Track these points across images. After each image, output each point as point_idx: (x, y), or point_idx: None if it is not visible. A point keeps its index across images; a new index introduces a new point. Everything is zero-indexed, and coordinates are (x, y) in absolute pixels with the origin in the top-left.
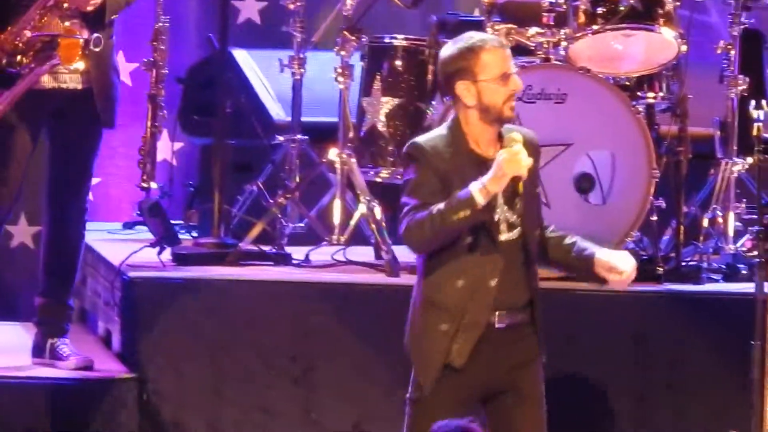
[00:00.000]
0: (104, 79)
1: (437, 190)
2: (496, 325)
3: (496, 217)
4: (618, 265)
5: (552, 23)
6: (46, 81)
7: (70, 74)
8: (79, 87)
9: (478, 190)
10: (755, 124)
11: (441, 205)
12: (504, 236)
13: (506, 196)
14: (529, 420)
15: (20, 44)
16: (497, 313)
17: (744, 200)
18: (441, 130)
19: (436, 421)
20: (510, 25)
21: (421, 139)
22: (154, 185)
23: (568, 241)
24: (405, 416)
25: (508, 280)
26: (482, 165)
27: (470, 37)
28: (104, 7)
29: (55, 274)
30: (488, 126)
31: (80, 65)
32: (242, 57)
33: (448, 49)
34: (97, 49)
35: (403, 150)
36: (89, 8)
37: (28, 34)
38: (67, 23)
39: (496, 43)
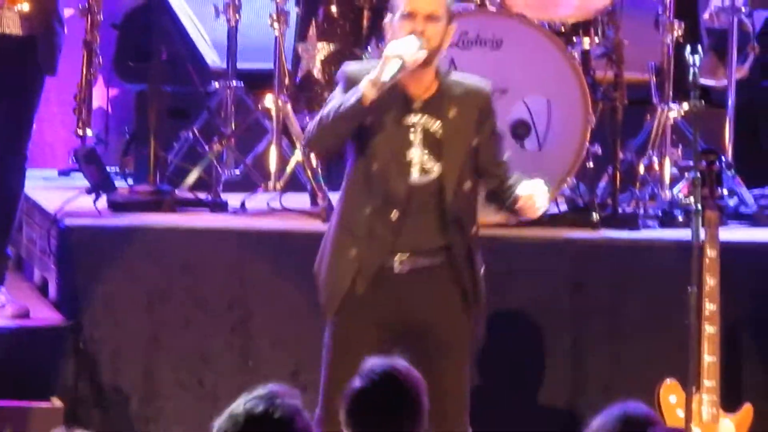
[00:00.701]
0: (47, 26)
1: None
2: (395, 270)
3: (409, 158)
4: (526, 191)
5: None
6: None
7: (11, 19)
8: (21, 33)
9: (364, 81)
10: (691, 70)
11: (331, 105)
12: (414, 178)
13: (426, 142)
14: (446, 367)
15: None
16: (398, 255)
17: (680, 146)
18: (374, 62)
19: (348, 353)
20: None
21: (350, 66)
22: (89, 132)
23: (507, 185)
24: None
25: (415, 223)
26: (406, 102)
27: None
28: None
29: None
30: None
31: (25, 7)
32: (177, 3)
33: None
34: None
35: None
36: None
37: None
38: None
39: None
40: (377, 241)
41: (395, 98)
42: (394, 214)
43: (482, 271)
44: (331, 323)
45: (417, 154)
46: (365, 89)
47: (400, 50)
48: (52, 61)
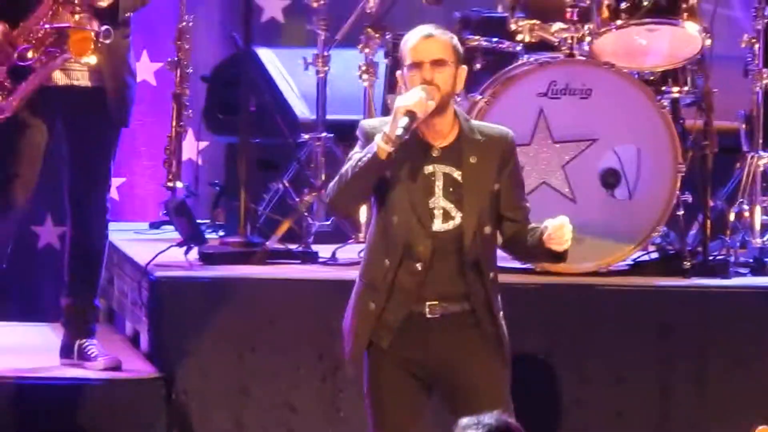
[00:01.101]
0: (117, 78)
1: None
2: (428, 315)
3: (431, 207)
4: (551, 224)
5: (576, 18)
6: (59, 78)
7: (81, 71)
8: (90, 84)
9: (380, 137)
10: None
11: (349, 164)
12: (437, 225)
13: (448, 189)
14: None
15: (32, 39)
16: (428, 303)
17: None
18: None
19: (386, 405)
20: (534, 21)
21: (366, 121)
22: (179, 184)
23: (528, 230)
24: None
25: (440, 269)
26: (425, 150)
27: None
28: (117, 4)
29: (79, 275)
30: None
31: (92, 60)
32: (266, 55)
33: None
34: (107, 41)
35: None
36: (101, 4)
37: (39, 28)
38: (77, 17)
39: (418, 34)
40: (401, 294)
41: (414, 148)
42: (419, 267)
43: (501, 314)
44: (362, 380)
45: (439, 203)
46: (380, 144)
47: (409, 102)
48: (124, 113)
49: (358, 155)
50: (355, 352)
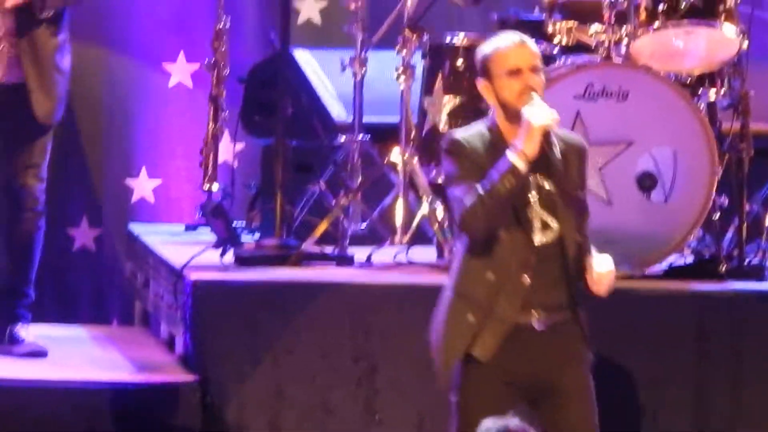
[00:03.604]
0: (41, 75)
1: (479, 179)
2: (536, 327)
3: (530, 218)
4: (594, 266)
5: (613, 21)
6: None
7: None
8: (10, 81)
9: (515, 155)
10: None
11: (485, 184)
12: (538, 237)
13: (542, 199)
14: (578, 419)
15: None
16: (534, 313)
17: None
18: (479, 126)
19: (477, 417)
20: (571, 23)
21: (458, 133)
22: (215, 186)
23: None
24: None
25: (544, 280)
26: None
27: (494, 37)
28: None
29: (14, 264)
30: (515, 124)
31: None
32: (303, 57)
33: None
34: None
35: (441, 144)
36: (6, 5)
37: None
38: None
39: (510, 41)
40: (506, 306)
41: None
42: (525, 279)
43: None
44: (456, 392)
45: (537, 213)
46: (516, 162)
47: (544, 115)
48: (49, 110)
49: (468, 175)
50: (448, 365)
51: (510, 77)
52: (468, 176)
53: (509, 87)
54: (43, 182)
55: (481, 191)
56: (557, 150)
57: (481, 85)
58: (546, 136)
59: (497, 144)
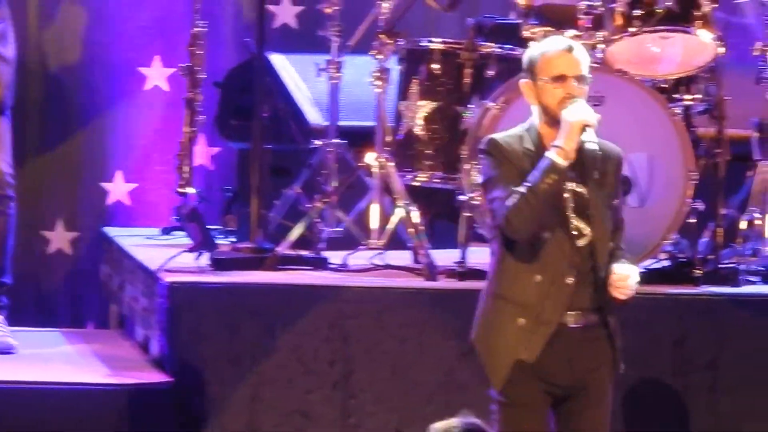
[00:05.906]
0: None
1: (519, 181)
2: (571, 325)
3: (567, 220)
4: (616, 270)
5: (589, 26)
6: None
7: None
8: None
9: (555, 153)
10: None
11: (528, 184)
12: (577, 240)
13: (577, 205)
14: (595, 423)
15: None
16: (570, 313)
17: None
18: (518, 130)
19: (522, 417)
20: (547, 28)
21: (497, 136)
22: (191, 190)
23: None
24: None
25: (580, 282)
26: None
27: (546, 39)
28: None
29: None
30: (554, 128)
31: None
32: (279, 61)
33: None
34: None
35: (479, 146)
36: None
37: None
38: None
39: (558, 46)
40: (553, 308)
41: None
42: (570, 279)
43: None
44: (500, 394)
45: (572, 218)
46: (556, 159)
47: (586, 116)
48: None
49: (506, 175)
50: (502, 370)
51: (553, 83)
52: (507, 178)
53: (551, 93)
54: (9, 167)
55: (523, 190)
56: (595, 155)
57: (524, 84)
58: (582, 144)
59: (536, 147)
